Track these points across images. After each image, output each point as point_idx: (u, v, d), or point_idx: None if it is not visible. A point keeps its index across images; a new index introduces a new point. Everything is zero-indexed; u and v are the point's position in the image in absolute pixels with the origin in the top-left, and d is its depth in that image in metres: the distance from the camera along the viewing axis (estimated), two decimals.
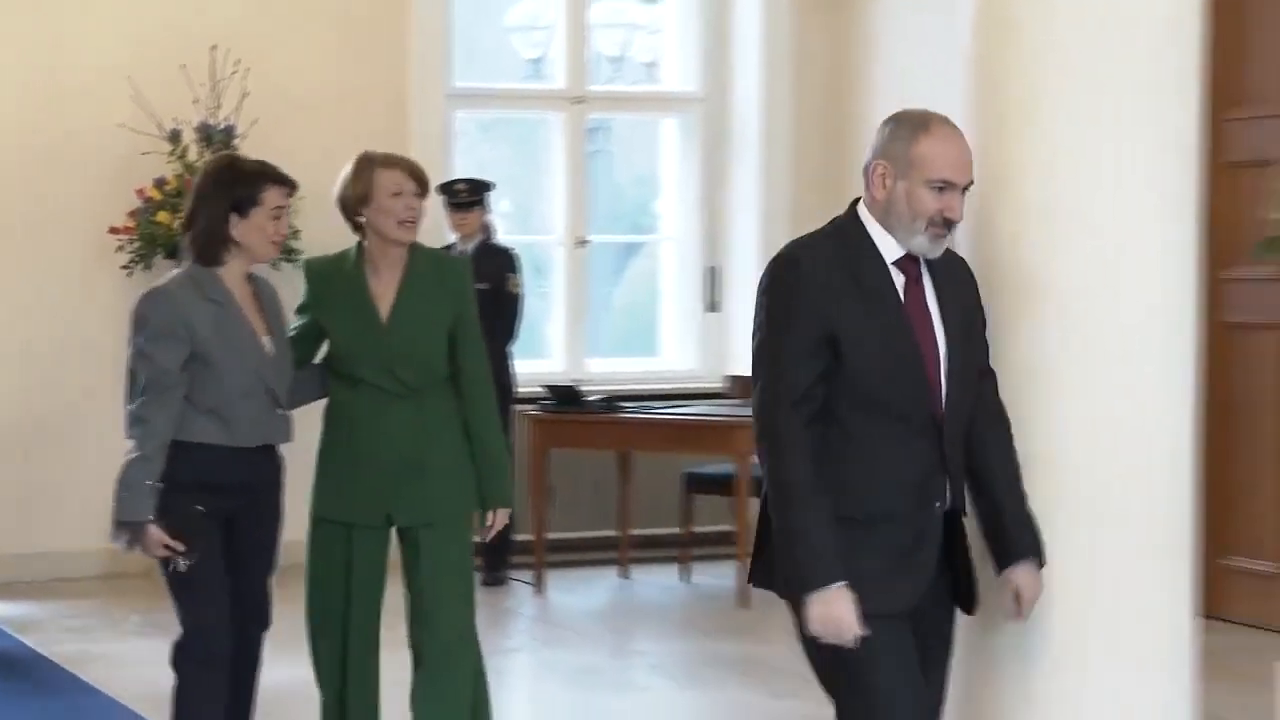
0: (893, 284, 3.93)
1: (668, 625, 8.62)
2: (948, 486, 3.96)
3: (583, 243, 10.19)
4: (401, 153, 5.27)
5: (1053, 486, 4.25)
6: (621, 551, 9.30)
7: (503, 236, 9.17)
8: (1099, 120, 4.28)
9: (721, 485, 8.95)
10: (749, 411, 10.38)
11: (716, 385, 9.89)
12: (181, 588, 4.90)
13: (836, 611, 3.81)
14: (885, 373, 3.87)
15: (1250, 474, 7.87)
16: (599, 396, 9.19)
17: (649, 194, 10.75)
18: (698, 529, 9.25)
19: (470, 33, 10.12)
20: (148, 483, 4.76)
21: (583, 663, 7.67)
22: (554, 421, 8.97)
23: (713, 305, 10.38)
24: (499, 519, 5.15)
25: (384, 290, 5.05)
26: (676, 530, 9.27)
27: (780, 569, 3.89)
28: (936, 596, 4.00)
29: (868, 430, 3.87)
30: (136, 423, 4.81)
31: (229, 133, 8.86)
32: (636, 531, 9.31)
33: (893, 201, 3.91)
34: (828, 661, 3.94)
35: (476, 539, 5.22)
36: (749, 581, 4.11)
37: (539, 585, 8.87)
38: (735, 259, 10.31)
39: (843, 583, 3.81)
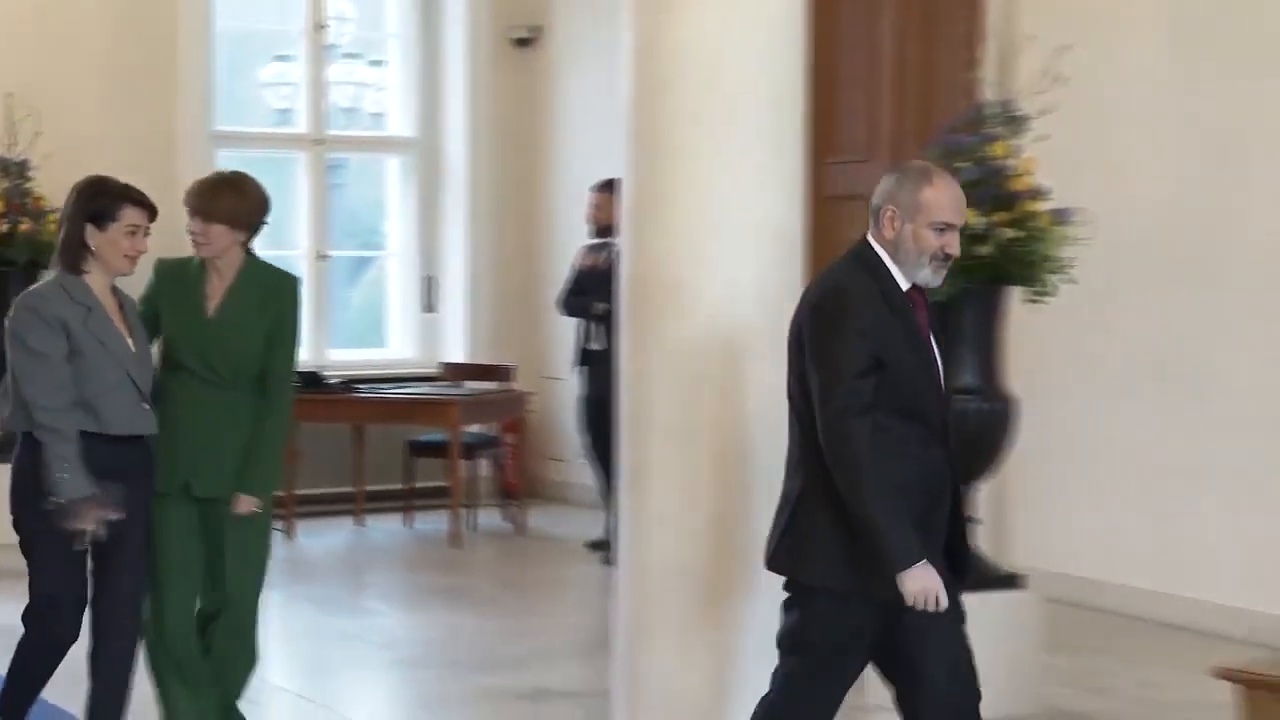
0: (910, 306, 3.69)
1: (393, 562, 8.52)
2: (949, 484, 3.70)
3: (324, 256, 10.01)
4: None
5: (697, 453, 4.31)
6: (357, 504, 9.15)
7: (258, 251, 8.92)
8: (727, 163, 4.36)
9: (437, 450, 8.86)
10: (457, 391, 10.18)
11: (432, 370, 9.80)
12: (39, 563, 4.41)
13: (931, 582, 3.51)
14: (916, 383, 3.63)
15: None
16: (338, 380, 9.03)
17: (378, 217, 10.61)
18: (418, 485, 9.16)
19: (230, 86, 9.87)
20: (71, 462, 4.29)
21: (325, 593, 7.55)
22: (301, 400, 8.41)
23: (429, 307, 10.29)
24: (244, 503, 4.60)
25: (215, 291, 4.70)
26: (400, 486, 9.16)
27: (851, 556, 3.57)
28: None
29: (900, 433, 3.59)
30: (42, 410, 4.33)
31: (24, 165, 8.47)
32: (369, 487, 9.16)
33: (900, 240, 3.67)
34: (797, 627, 3.67)
35: (240, 512, 4.64)
36: (767, 567, 3.76)
37: (289, 532, 8.68)
38: (447, 270, 10.22)
39: (925, 559, 3.53)
